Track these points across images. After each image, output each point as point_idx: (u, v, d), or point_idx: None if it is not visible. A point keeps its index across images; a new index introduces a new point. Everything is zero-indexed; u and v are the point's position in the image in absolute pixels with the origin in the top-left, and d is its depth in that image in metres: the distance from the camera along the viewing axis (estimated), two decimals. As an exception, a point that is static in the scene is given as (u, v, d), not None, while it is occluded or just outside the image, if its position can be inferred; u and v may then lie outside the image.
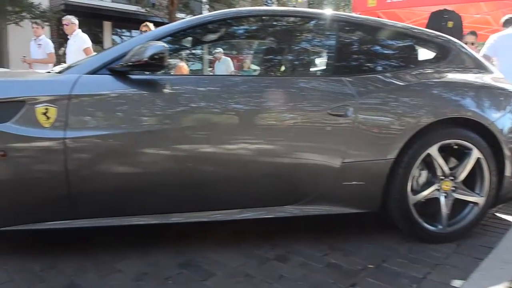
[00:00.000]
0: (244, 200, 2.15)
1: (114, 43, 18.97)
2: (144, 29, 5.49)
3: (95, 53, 5.28)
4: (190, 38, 2.43)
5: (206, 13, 2.24)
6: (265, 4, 20.82)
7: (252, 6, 16.90)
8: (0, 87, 1.89)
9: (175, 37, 2.20)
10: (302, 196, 2.19)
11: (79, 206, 1.94)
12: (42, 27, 6.32)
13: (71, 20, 5.72)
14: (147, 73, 2.03)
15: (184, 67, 5.06)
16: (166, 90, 2.00)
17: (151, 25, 5.62)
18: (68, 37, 5.85)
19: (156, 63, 1.87)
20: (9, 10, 13.35)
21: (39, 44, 6.06)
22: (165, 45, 1.89)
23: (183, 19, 2.21)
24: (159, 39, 2.03)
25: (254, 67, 9.21)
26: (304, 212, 2.19)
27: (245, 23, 2.40)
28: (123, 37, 19.77)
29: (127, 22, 18.91)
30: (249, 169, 2.08)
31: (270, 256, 2.15)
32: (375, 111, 2.20)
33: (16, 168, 1.84)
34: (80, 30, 5.85)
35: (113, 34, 19.04)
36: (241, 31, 2.49)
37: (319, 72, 2.71)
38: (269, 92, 2.12)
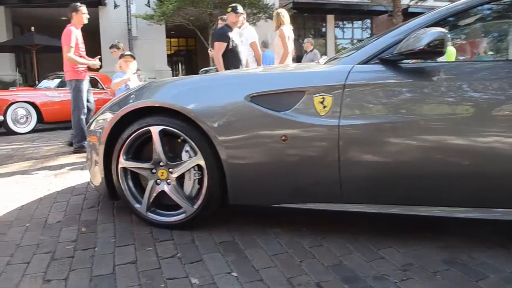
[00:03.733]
0: (494, 198, 1.93)
1: (336, 36, 19.46)
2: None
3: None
4: (465, 21, 2.29)
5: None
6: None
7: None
8: (285, 79, 2.12)
9: (450, 20, 2.09)
10: None
11: (346, 190, 2.04)
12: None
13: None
14: (417, 61, 1.99)
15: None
16: (439, 78, 1.92)
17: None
18: (238, 28, 5.59)
19: (433, 50, 1.80)
20: (248, 12, 14.99)
21: None
22: (444, 30, 1.81)
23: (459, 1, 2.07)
24: (432, 25, 1.96)
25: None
26: None
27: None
28: (345, 29, 20.11)
29: (348, 14, 19.19)
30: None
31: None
32: None
33: (295, 151, 2.03)
34: (248, 23, 5.80)
35: (335, 26, 19.54)
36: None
37: None
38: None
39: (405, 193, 2.01)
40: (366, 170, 1.99)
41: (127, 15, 14.67)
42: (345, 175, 2.00)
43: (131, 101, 2.37)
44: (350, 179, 2.01)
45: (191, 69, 21.35)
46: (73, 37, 5.06)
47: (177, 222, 2.30)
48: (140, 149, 2.40)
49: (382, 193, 2.03)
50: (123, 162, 2.36)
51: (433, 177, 1.94)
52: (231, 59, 4.93)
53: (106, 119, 2.42)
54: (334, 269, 1.86)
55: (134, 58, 5.18)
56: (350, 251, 2.04)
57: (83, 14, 5.20)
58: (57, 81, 9.27)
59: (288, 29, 5.39)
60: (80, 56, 5.21)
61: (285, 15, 5.48)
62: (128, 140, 2.31)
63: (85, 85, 5.28)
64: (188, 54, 22.79)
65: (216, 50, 4.94)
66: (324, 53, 16.76)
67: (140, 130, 2.28)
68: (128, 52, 5.23)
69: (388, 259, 1.96)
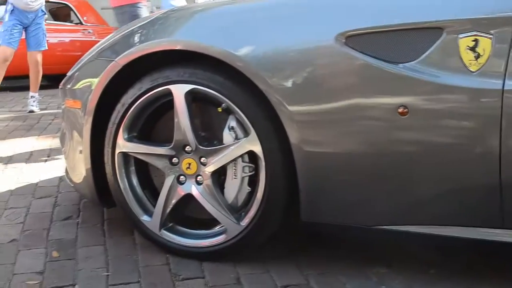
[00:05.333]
0: None
1: None
2: None
3: None
4: None
5: None
6: None
7: None
8: (406, 8, 2.00)
9: None
10: None
11: (509, 207, 1.93)
12: None
13: None
14: None
15: None
16: None
17: None
18: None
19: None
20: None
21: None
22: None
23: None
24: None
25: None
26: None
27: None
28: None
29: None
30: None
31: None
32: None
33: (421, 134, 1.95)
34: None
35: None
36: None
37: None
38: None
39: None
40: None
41: None
42: (509, 179, 1.89)
43: (136, 41, 2.39)
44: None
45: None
46: None
47: (211, 249, 2.30)
48: (153, 124, 2.42)
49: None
50: (123, 145, 2.36)
51: None
52: None
53: (96, 72, 2.42)
54: None
55: None
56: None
57: None
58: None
59: None
60: None
61: None
62: (134, 108, 2.31)
63: (144, 11, 5.38)
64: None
65: None
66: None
67: (154, 91, 2.27)
68: None
69: None
